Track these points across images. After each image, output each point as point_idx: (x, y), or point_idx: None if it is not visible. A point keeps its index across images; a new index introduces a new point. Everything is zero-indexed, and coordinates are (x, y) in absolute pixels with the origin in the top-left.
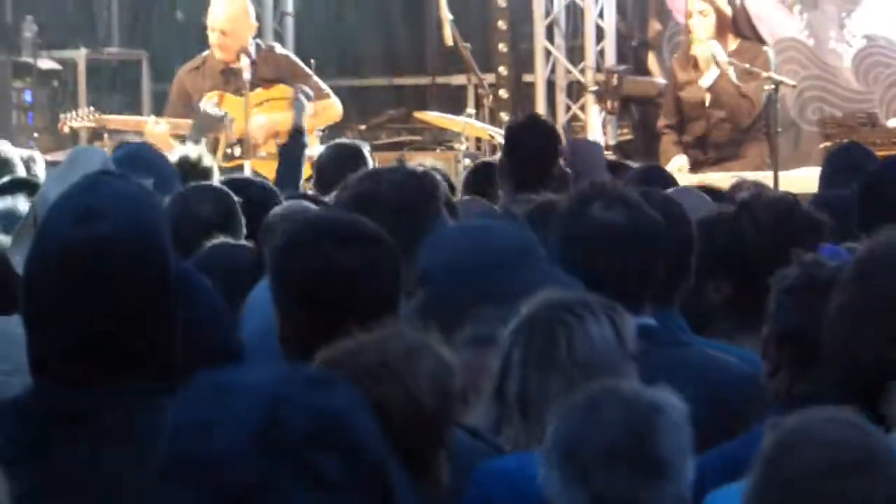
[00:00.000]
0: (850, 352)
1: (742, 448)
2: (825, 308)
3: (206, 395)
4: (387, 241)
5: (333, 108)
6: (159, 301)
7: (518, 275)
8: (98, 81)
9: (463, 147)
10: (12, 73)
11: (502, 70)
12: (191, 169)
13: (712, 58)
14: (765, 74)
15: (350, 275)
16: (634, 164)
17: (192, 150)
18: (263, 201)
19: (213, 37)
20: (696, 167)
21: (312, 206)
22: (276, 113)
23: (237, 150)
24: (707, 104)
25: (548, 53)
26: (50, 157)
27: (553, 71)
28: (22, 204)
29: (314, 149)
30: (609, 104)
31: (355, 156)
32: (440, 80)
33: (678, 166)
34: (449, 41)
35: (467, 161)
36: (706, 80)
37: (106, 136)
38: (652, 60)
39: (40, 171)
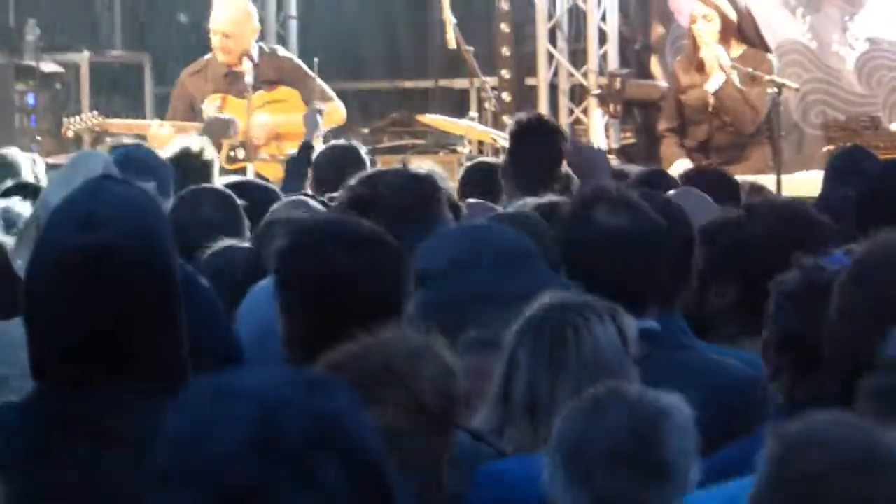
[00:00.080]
0: (850, 354)
1: (743, 451)
2: (825, 312)
3: (204, 398)
4: (390, 244)
5: (337, 111)
6: (162, 304)
7: (516, 277)
8: (101, 84)
9: (466, 150)
10: (15, 75)
11: (505, 73)
12: (192, 161)
13: (718, 63)
14: (767, 78)
15: (353, 277)
16: (637, 168)
17: (194, 143)
18: (266, 203)
19: (215, 40)
20: None
21: (313, 201)
22: (279, 115)
23: (240, 153)
24: (710, 108)
25: (550, 57)
26: (52, 161)
27: (556, 74)
28: (18, 205)
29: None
30: (612, 108)
31: (351, 157)
32: (443, 83)
33: (682, 170)
34: (452, 44)
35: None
36: (712, 84)
37: (108, 139)
38: (655, 64)
39: (41, 174)
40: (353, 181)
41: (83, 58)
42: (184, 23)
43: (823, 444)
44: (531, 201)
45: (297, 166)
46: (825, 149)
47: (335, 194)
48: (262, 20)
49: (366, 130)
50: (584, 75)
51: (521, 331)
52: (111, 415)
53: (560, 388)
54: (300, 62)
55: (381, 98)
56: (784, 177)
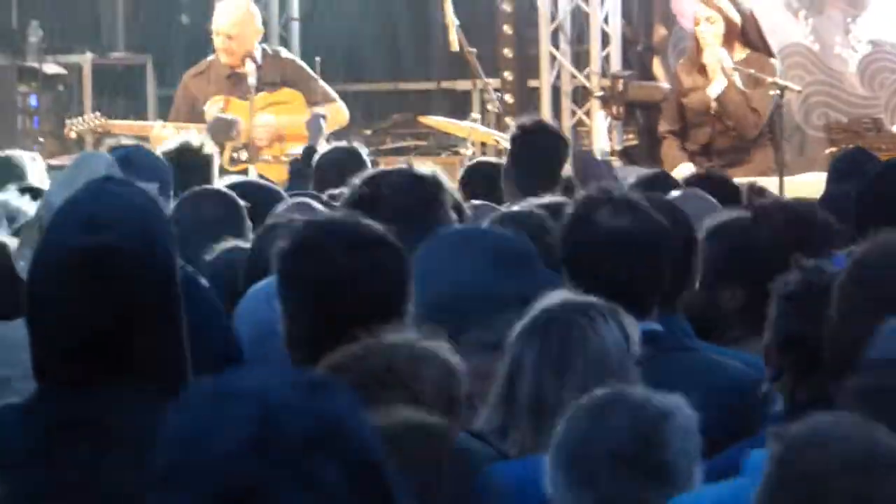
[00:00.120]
0: (850, 355)
1: (745, 453)
2: (826, 313)
3: (204, 398)
4: (392, 244)
5: (340, 113)
6: (163, 305)
7: (514, 279)
8: (103, 86)
9: (468, 152)
10: (17, 77)
11: (507, 75)
12: (192, 157)
13: (720, 66)
14: (770, 80)
15: (355, 278)
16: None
17: (194, 138)
18: (269, 204)
19: (218, 41)
20: None
21: (317, 203)
22: (282, 117)
23: (242, 155)
24: (712, 112)
25: (553, 59)
26: (55, 162)
27: (558, 76)
28: (15, 199)
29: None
30: (614, 109)
31: (353, 159)
32: (445, 84)
33: (685, 173)
34: (454, 46)
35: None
36: (714, 89)
37: (107, 140)
38: (657, 65)
39: (41, 174)
40: (356, 181)
41: (86, 59)
42: (186, 24)
43: (825, 445)
44: (534, 201)
45: (300, 168)
46: (827, 151)
47: (336, 191)
48: (264, 22)
49: (368, 132)
50: (587, 77)
51: (526, 331)
52: (112, 415)
53: (566, 388)
54: (303, 64)
55: (384, 99)
56: (786, 179)
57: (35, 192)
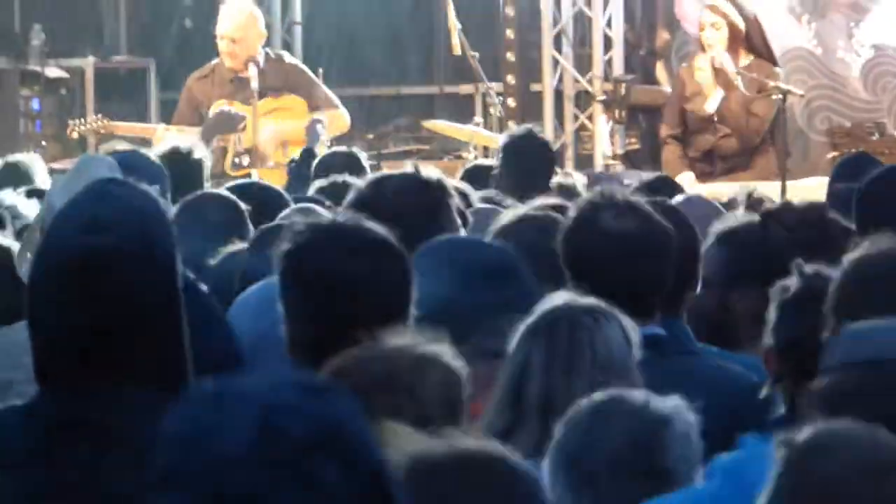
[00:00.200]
0: None
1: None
2: (826, 318)
3: (204, 401)
4: (395, 248)
5: (341, 118)
6: (164, 307)
7: (501, 291)
8: (106, 89)
9: (471, 156)
10: (20, 81)
11: (510, 79)
12: (181, 161)
13: (713, 82)
14: (772, 84)
15: (357, 281)
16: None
17: (183, 142)
18: (271, 206)
19: (222, 45)
20: (703, 177)
21: (320, 207)
22: (285, 122)
23: (245, 160)
24: (715, 119)
25: (556, 62)
26: (58, 165)
27: (561, 80)
28: (23, 203)
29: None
30: (617, 114)
31: (352, 163)
32: (448, 89)
33: (685, 183)
34: (457, 50)
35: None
36: (711, 104)
37: (102, 145)
38: (660, 69)
39: (42, 176)
40: (359, 184)
41: (88, 63)
42: (189, 28)
43: (833, 451)
44: (540, 202)
45: (299, 173)
46: (830, 155)
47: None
48: (267, 26)
49: (371, 136)
50: (590, 81)
51: (533, 331)
52: (112, 417)
53: (575, 388)
54: (306, 69)
55: (386, 104)
56: (789, 183)
57: (42, 195)
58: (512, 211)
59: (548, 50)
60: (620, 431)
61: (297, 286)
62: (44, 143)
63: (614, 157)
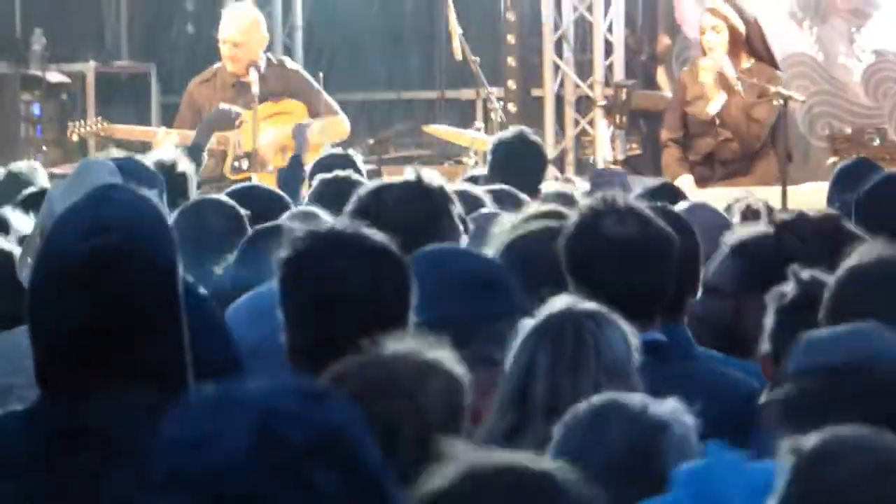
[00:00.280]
0: None
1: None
2: (822, 325)
3: (203, 407)
4: (394, 254)
5: (341, 124)
6: (166, 312)
7: (480, 303)
8: (107, 94)
9: (471, 161)
10: (21, 85)
11: (511, 84)
12: (166, 173)
13: (717, 84)
14: (774, 89)
15: (358, 288)
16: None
17: (167, 154)
18: (271, 210)
19: (224, 49)
20: (702, 182)
21: (322, 213)
22: (285, 126)
23: (244, 164)
24: (715, 123)
25: (557, 68)
26: (58, 171)
27: (562, 85)
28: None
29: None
30: (618, 119)
31: (348, 165)
32: (449, 94)
33: (684, 186)
34: (458, 55)
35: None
36: (713, 106)
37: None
38: (661, 75)
39: (43, 181)
40: (360, 191)
41: (89, 67)
42: (190, 33)
43: (844, 456)
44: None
45: (287, 178)
46: (831, 161)
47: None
48: (268, 30)
49: (371, 141)
50: (590, 86)
51: (538, 333)
52: (113, 423)
53: (580, 389)
54: (307, 75)
55: (387, 108)
56: (790, 188)
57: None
58: (511, 218)
59: (549, 55)
60: (618, 436)
61: (297, 293)
62: (44, 147)
63: (615, 162)
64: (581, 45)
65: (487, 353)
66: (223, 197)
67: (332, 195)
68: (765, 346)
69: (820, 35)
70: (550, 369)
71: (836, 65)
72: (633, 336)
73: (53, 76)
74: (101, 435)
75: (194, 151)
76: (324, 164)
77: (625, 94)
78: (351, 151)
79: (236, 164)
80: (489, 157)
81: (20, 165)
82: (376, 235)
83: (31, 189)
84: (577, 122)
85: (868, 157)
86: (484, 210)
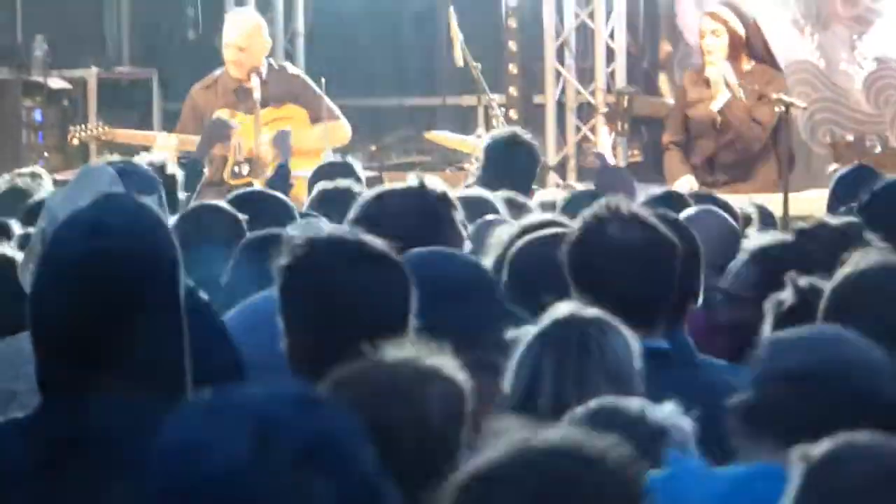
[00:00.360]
0: None
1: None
2: None
3: (199, 413)
4: (394, 261)
5: (342, 129)
6: (167, 316)
7: (464, 309)
8: (108, 100)
9: (473, 167)
10: (22, 92)
11: (512, 91)
12: (158, 175)
13: (724, 81)
14: (775, 96)
15: (357, 294)
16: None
17: (157, 157)
18: (271, 215)
19: (228, 53)
20: (704, 187)
21: (325, 223)
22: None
23: (244, 168)
24: (717, 125)
25: (558, 74)
26: (59, 177)
27: (563, 92)
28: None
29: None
30: (619, 125)
31: (347, 172)
32: (450, 100)
33: (686, 187)
34: (459, 61)
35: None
36: (717, 103)
37: (95, 159)
38: (663, 81)
39: (47, 188)
40: (362, 198)
41: (91, 73)
42: (192, 38)
43: (853, 462)
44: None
45: (276, 187)
46: (832, 167)
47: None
48: (270, 36)
49: (373, 147)
50: (592, 93)
51: (543, 338)
52: (113, 429)
53: (587, 392)
54: (309, 80)
55: (389, 115)
56: (791, 195)
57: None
58: (510, 226)
59: (550, 62)
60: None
61: (296, 300)
62: (46, 153)
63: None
64: (583, 52)
65: (488, 359)
66: (223, 203)
67: (332, 204)
68: None
69: (822, 42)
70: (555, 376)
71: (837, 72)
72: (634, 342)
73: (55, 82)
74: (101, 442)
75: (194, 165)
76: (323, 172)
77: (626, 100)
78: (350, 158)
79: (236, 169)
80: (482, 158)
81: (24, 180)
82: (376, 242)
83: (35, 199)
84: (578, 129)
85: (869, 164)
86: (489, 217)
